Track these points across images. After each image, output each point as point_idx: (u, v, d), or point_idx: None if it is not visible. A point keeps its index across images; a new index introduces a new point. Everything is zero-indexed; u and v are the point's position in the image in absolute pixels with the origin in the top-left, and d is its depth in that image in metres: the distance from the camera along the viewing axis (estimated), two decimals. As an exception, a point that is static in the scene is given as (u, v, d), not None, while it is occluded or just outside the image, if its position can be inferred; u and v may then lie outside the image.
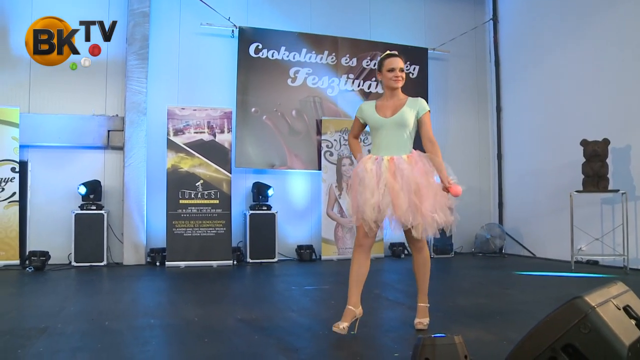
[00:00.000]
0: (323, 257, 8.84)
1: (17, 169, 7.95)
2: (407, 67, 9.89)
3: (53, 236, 8.17)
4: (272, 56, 9.12)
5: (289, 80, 9.19)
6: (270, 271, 7.82)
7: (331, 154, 9.06)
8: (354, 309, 3.89)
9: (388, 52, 3.99)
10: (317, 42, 9.41)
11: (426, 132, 3.90)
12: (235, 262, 8.22)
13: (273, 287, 6.84)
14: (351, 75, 9.58)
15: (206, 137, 8.25)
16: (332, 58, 9.46)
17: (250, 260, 8.38)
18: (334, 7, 9.74)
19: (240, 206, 8.84)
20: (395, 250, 9.25)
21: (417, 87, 9.93)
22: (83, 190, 8.03)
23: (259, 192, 8.58)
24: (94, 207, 8.08)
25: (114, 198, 8.45)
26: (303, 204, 9.20)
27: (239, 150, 8.76)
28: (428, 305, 4.07)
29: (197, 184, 8.14)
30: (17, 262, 7.84)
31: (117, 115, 8.56)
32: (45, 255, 7.69)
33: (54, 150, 8.43)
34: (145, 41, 8.51)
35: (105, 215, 8.08)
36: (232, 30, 8.98)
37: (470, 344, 2.78)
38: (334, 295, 5.85)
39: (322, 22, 9.56)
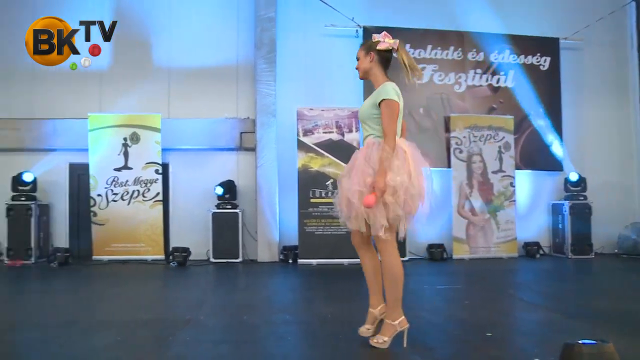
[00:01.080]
0: (454, 256, 8.83)
1: (160, 171, 8.69)
2: (537, 59, 9.62)
3: (193, 233, 8.86)
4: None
5: (415, 78, 9.24)
6: (400, 269, 7.89)
7: (461, 151, 9.02)
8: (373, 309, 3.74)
9: None
10: (442, 38, 9.42)
11: (381, 123, 3.54)
12: (365, 261, 8.37)
13: (404, 285, 6.86)
14: (479, 70, 9.48)
15: (335, 136, 8.52)
16: (459, 53, 9.43)
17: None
18: (459, 1, 9.66)
19: (370, 206, 9.00)
20: (530, 250, 9.02)
21: (549, 80, 9.66)
22: (220, 190, 8.60)
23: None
24: (230, 206, 8.61)
25: (247, 197, 8.96)
26: (433, 202, 9.18)
27: (367, 148, 8.95)
28: (392, 323, 3.53)
29: (327, 183, 8.42)
30: (162, 257, 8.62)
31: (248, 117, 9.09)
32: (187, 251, 8.37)
33: (191, 152, 9.14)
34: (272, 45, 8.96)
35: (240, 214, 8.59)
36: (356, 30, 9.22)
37: (620, 353, 2.64)
38: (468, 295, 5.86)
39: (446, 17, 9.53)
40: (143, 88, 9.07)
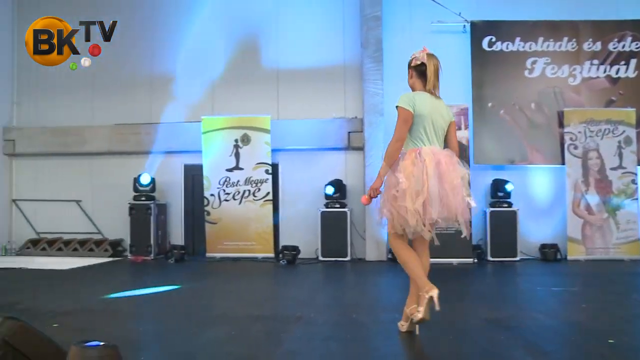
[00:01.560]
0: (569, 257, 8.62)
1: (270, 171, 9.11)
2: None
3: (301, 232, 9.24)
4: (507, 48, 9.14)
5: (526, 72, 9.12)
6: (512, 270, 7.84)
7: (575, 147, 8.79)
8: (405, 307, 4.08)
9: None
10: (554, 28, 9.18)
11: None
12: (475, 260, 8.39)
13: (516, 286, 6.84)
14: (595, 61, 9.15)
15: (443, 134, 8.53)
16: (573, 44, 9.15)
17: (491, 259, 8.50)
18: (572, -12, 9.39)
19: (479, 203, 8.87)
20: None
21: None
22: (331, 190, 8.87)
23: (499, 188, 8.65)
24: (338, 206, 8.87)
25: (355, 196, 9.12)
26: (546, 201, 9.05)
27: (477, 146, 8.94)
28: (421, 293, 3.72)
29: (436, 182, 8.45)
30: (272, 255, 9.03)
31: (356, 117, 9.33)
32: (296, 249, 8.72)
33: (300, 152, 9.51)
34: (379, 44, 9.12)
35: (349, 213, 8.84)
36: (464, 26, 9.20)
37: None
38: (585, 298, 5.70)
39: (559, 7, 9.27)
40: (253, 90, 9.59)
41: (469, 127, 8.71)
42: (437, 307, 3.60)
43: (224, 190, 9.17)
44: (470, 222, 4.20)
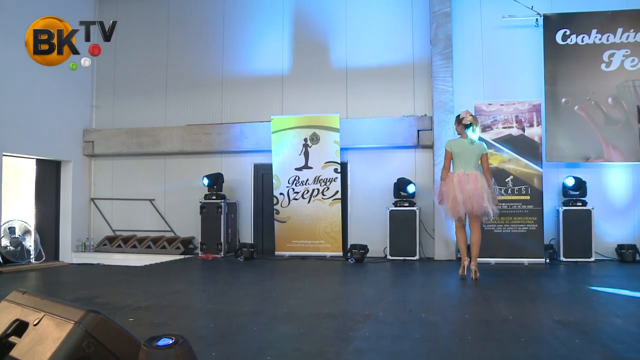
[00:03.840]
0: (649, 258, 8.78)
1: (339, 170, 9.75)
2: None
3: (370, 231, 9.89)
4: (582, 41, 9.34)
5: (603, 65, 9.28)
6: (586, 271, 7.99)
7: (656, 143, 8.90)
8: None
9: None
10: (635, 18, 9.28)
11: None
12: (547, 261, 8.71)
13: (592, 288, 6.90)
14: (681, 52, 9.21)
15: (515, 131, 8.90)
16: (656, 34, 9.23)
17: (564, 259, 8.80)
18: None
19: (552, 202, 9.31)
20: None
21: None
22: (413, 188, 9.44)
23: (572, 187, 8.85)
24: (407, 204, 9.38)
25: (424, 195, 9.75)
26: (624, 200, 9.26)
27: (550, 143, 9.22)
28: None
29: (507, 180, 8.87)
30: (340, 253, 9.72)
31: (425, 115, 9.86)
32: (364, 248, 9.31)
33: (369, 151, 10.14)
34: (448, 41, 9.63)
35: (418, 211, 9.36)
36: (536, 19, 9.50)
37: None
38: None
39: (642, -6, 9.46)
40: (322, 89, 10.36)
41: (542, 123, 8.98)
42: (461, 273, 7.16)
43: (293, 189, 9.82)
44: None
